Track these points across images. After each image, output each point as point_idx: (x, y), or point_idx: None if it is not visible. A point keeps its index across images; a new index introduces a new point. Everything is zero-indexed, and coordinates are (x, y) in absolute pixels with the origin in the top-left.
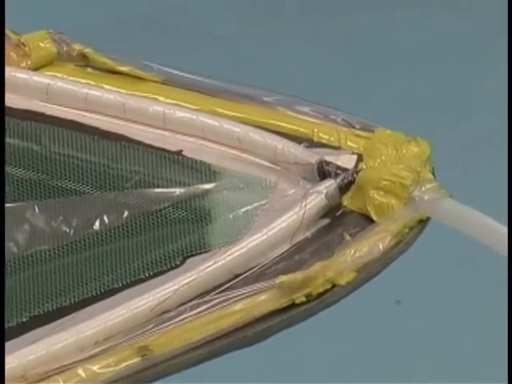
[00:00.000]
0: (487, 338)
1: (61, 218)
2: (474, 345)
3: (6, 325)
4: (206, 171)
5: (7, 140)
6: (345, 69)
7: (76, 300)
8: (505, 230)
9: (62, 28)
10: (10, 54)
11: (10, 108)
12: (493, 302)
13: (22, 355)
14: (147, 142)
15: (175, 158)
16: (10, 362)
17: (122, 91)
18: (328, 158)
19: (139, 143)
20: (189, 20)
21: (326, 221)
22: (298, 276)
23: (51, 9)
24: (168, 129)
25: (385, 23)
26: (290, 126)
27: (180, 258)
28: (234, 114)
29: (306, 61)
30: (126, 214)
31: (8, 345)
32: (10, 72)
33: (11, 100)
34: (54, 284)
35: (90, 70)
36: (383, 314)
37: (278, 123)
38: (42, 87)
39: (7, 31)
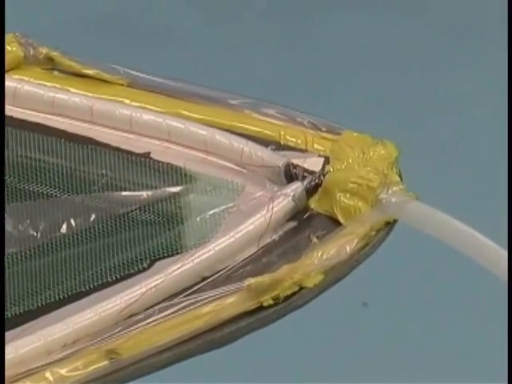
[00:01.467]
0: (456, 338)
1: (28, 221)
2: (443, 345)
3: None
4: (173, 174)
5: None
6: (309, 71)
7: (43, 303)
8: (471, 231)
9: (28, 30)
10: None
11: None
12: (462, 302)
13: None
14: (114, 144)
15: (142, 160)
16: None
17: (89, 94)
18: (295, 161)
19: (106, 146)
20: (153, 21)
21: (293, 223)
22: (265, 279)
23: (17, 10)
24: (135, 132)
25: (347, 24)
26: (257, 129)
27: (148, 261)
28: (200, 116)
29: (270, 63)
30: (93, 216)
31: None
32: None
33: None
34: (20, 287)
35: (56, 73)
36: (350, 316)
37: (245, 126)
38: (9, 91)
39: None
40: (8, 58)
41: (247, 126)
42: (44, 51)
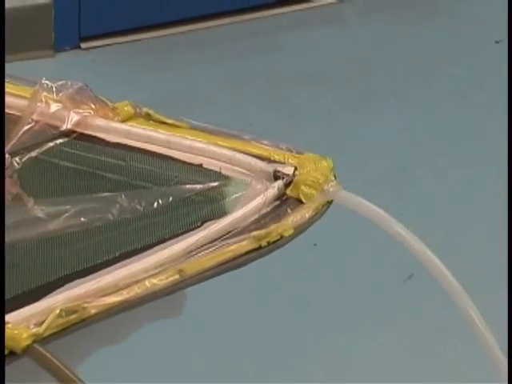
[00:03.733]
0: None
1: (136, 200)
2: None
3: (110, 257)
4: (213, 175)
5: (107, 159)
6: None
7: (142, 246)
8: (379, 210)
9: (136, 99)
10: (109, 113)
11: (108, 141)
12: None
13: (114, 275)
14: (181, 159)
15: (197, 168)
16: (107, 279)
17: (168, 132)
18: (278, 169)
19: (176, 160)
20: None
21: (277, 202)
22: (262, 232)
23: (130, 89)
24: (192, 153)
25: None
26: (258, 152)
27: (199, 223)
28: (226, 144)
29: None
30: (170, 198)
31: (107, 270)
32: (109, 123)
33: (108, 137)
34: (133, 235)
35: (151, 122)
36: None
37: (251, 150)
38: (125, 130)
39: (106, 100)
40: (125, 114)
41: (253, 150)
42: (144, 110)
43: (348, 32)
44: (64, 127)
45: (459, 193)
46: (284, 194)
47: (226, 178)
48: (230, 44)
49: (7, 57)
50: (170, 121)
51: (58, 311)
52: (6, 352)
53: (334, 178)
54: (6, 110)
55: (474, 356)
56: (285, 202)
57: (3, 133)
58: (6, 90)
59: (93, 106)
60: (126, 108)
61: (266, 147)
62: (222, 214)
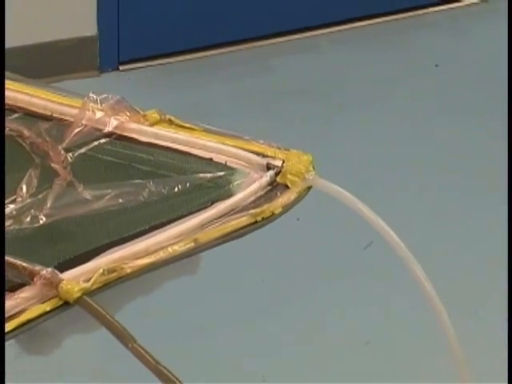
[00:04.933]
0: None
1: (161, 186)
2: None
3: (141, 229)
4: (221, 167)
5: (139, 154)
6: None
7: (165, 221)
8: (346, 192)
9: (162, 108)
10: (140, 119)
11: (140, 141)
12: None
13: (145, 243)
14: (196, 153)
15: (208, 161)
16: (139, 246)
17: (186, 134)
18: (270, 162)
19: (193, 155)
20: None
21: (269, 187)
22: (257, 210)
23: (157, 101)
24: (205, 150)
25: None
26: (255, 149)
27: (210, 203)
28: (231, 143)
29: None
30: (187, 184)
31: (139, 239)
32: (140, 126)
33: (140, 137)
34: (159, 212)
35: (173, 126)
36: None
37: (250, 147)
38: (153, 132)
39: (138, 109)
40: (152, 119)
41: (251, 147)
42: (168, 116)
43: (323, 58)
44: (106, 130)
45: (404, 178)
46: (274, 181)
47: (231, 169)
48: (236, 66)
49: (64, 77)
50: (187, 125)
51: (101, 271)
52: (61, 303)
53: (312, 169)
54: (62, 117)
55: (420, 308)
56: (275, 187)
57: (3, 133)
58: (64, 102)
59: (128, 114)
60: (153, 115)
61: (261, 145)
62: (227, 196)
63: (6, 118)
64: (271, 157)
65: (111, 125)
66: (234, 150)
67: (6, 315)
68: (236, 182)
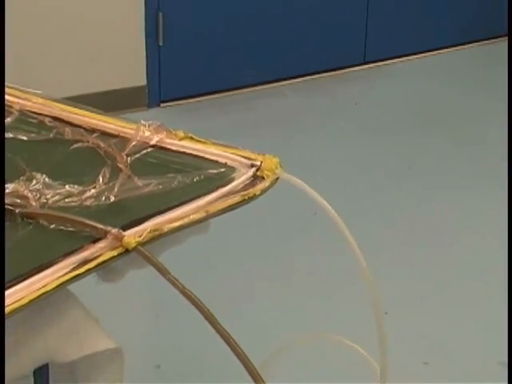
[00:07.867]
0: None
1: (186, 178)
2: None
3: (173, 204)
4: (223, 166)
5: (172, 158)
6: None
7: (188, 199)
8: (301, 181)
9: (187, 130)
10: (172, 136)
11: (173, 150)
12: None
13: (175, 213)
14: (203, 156)
15: (215, 162)
16: (171, 214)
17: (201, 146)
18: (253, 162)
19: (200, 157)
20: None
21: (252, 179)
22: (245, 192)
23: (183, 125)
24: (213, 155)
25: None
26: (244, 154)
27: (216, 188)
28: (230, 151)
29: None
30: (202, 176)
31: (172, 211)
32: (172, 141)
33: (172, 148)
34: (183, 194)
35: (193, 140)
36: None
37: (241, 154)
38: (181, 144)
39: (171, 130)
40: (179, 136)
41: (242, 154)
42: (190, 134)
43: (287, 100)
44: (151, 143)
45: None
46: (256, 174)
47: (230, 167)
48: (233, 105)
49: (124, 111)
50: (202, 140)
51: (149, 230)
52: (123, 250)
53: (280, 167)
54: (124, 135)
55: (349, 264)
56: (256, 178)
57: (3, 134)
58: (126, 126)
59: (165, 133)
60: (180, 134)
61: (248, 152)
62: (227, 184)
63: (89, 136)
64: (253, 159)
65: (154, 140)
66: (231, 155)
67: (90, 259)
68: (232, 175)
